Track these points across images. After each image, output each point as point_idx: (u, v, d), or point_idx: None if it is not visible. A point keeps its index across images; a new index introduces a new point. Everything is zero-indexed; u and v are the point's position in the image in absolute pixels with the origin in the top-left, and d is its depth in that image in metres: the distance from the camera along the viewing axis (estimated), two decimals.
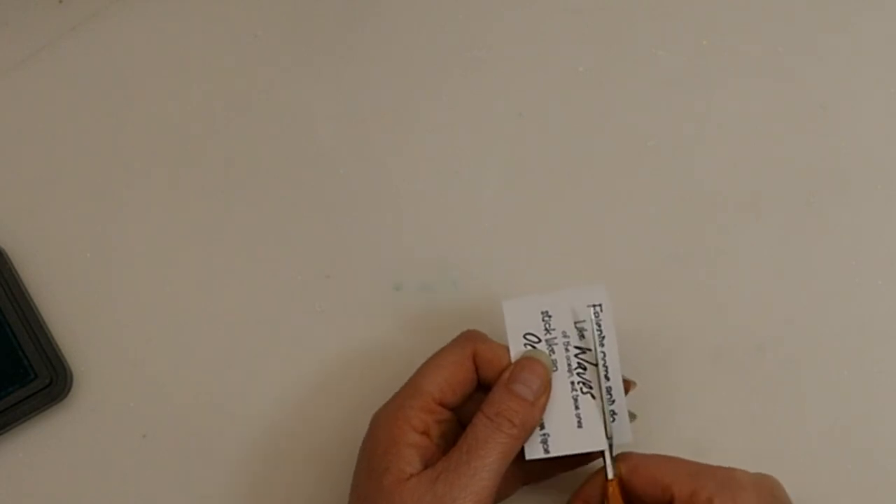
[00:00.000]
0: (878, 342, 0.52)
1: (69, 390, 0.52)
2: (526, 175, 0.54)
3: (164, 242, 0.54)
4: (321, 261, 0.54)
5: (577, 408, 0.46)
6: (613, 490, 0.45)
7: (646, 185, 0.54)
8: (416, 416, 0.45)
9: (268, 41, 0.56)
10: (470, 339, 0.47)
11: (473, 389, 0.47)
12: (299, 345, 0.53)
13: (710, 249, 0.53)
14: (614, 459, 0.45)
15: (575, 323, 0.46)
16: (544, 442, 0.46)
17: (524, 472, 0.47)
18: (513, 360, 0.46)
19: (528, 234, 0.54)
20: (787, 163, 0.54)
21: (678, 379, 0.52)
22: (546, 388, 0.46)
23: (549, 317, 0.47)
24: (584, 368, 0.46)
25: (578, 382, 0.46)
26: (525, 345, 0.46)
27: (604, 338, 0.46)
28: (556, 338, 0.47)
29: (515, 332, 0.47)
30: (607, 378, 0.46)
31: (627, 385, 0.47)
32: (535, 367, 0.46)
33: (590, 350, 0.46)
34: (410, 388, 0.46)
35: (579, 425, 0.46)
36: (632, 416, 0.46)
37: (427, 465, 0.44)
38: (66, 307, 0.53)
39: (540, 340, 0.46)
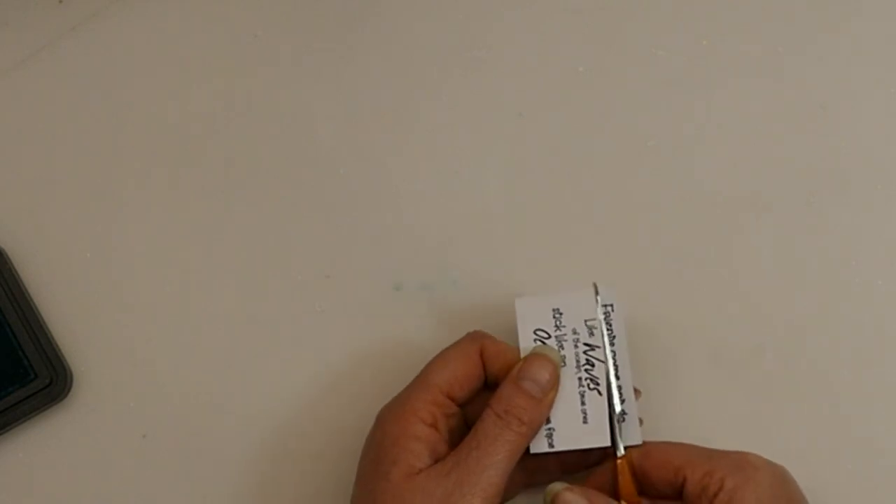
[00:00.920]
0: (877, 342, 0.52)
1: (69, 390, 0.52)
2: (526, 175, 0.54)
3: (164, 242, 0.54)
4: (321, 261, 0.54)
5: (583, 403, 0.46)
6: (623, 467, 0.45)
7: (646, 185, 0.54)
8: (425, 409, 0.45)
9: (268, 41, 0.56)
10: (477, 337, 0.47)
11: (481, 386, 0.47)
12: (299, 345, 0.53)
13: (709, 249, 0.53)
14: (623, 441, 0.45)
15: (585, 321, 0.47)
16: (549, 436, 0.46)
17: (527, 472, 0.48)
18: (522, 354, 0.46)
19: (528, 234, 0.54)
20: (787, 163, 0.54)
21: (678, 379, 0.52)
22: (554, 384, 0.46)
23: (560, 314, 0.47)
24: (592, 365, 0.46)
25: (586, 379, 0.46)
26: (535, 340, 0.47)
27: (615, 337, 0.47)
28: (565, 334, 0.47)
29: (526, 327, 0.47)
30: (617, 377, 0.46)
31: (635, 393, 0.47)
32: (545, 363, 0.46)
33: (598, 347, 0.46)
34: (419, 382, 0.46)
35: (585, 421, 0.46)
36: (640, 421, 0.47)
37: (435, 459, 0.44)
38: (66, 307, 0.53)
39: (550, 336, 0.47)
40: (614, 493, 0.45)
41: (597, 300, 0.47)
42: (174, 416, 0.52)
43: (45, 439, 0.52)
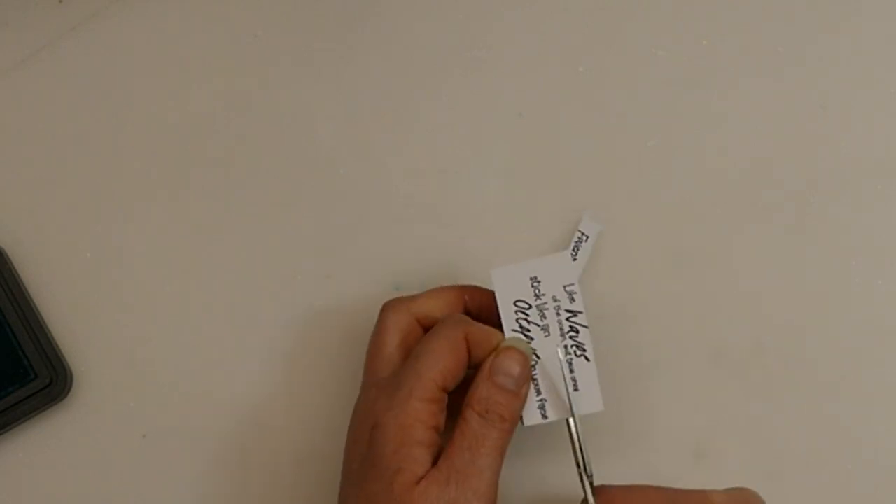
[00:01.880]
0: (877, 342, 0.52)
1: (69, 390, 0.52)
2: (526, 175, 0.54)
3: (164, 242, 0.54)
4: (321, 261, 0.54)
5: (572, 371, 0.46)
6: None
7: (646, 185, 0.54)
8: (425, 409, 0.44)
9: (268, 41, 0.56)
10: (459, 322, 0.47)
11: (466, 371, 0.47)
12: (299, 345, 0.53)
13: (709, 249, 0.53)
14: (595, 491, 0.45)
15: (564, 287, 0.47)
16: (542, 408, 0.46)
17: None
18: (505, 328, 0.46)
19: (528, 234, 0.54)
20: (787, 163, 0.54)
21: (677, 379, 0.52)
22: (527, 376, 0.46)
23: (538, 282, 0.47)
24: (577, 332, 0.46)
25: (572, 346, 0.46)
26: (516, 311, 0.47)
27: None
28: (546, 303, 0.47)
29: (506, 299, 0.47)
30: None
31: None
32: (515, 356, 0.46)
33: (581, 312, 0.46)
34: (413, 379, 0.45)
35: (576, 388, 0.46)
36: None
37: (435, 458, 0.44)
38: (66, 307, 0.53)
39: (531, 307, 0.47)
40: None
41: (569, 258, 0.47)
42: (174, 416, 0.52)
43: (45, 439, 0.52)
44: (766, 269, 0.53)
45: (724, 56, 0.55)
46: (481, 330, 0.46)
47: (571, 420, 0.45)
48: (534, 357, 0.46)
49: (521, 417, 0.46)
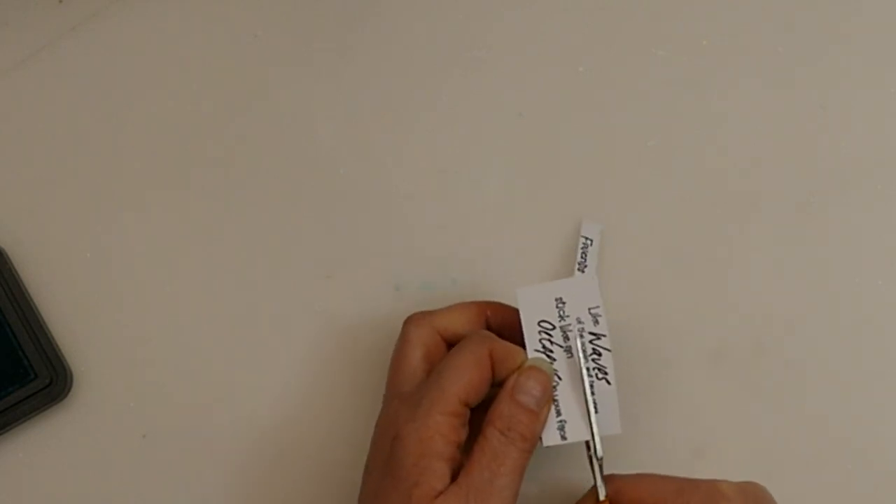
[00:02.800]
0: (878, 342, 0.52)
1: (69, 390, 0.52)
2: (526, 175, 0.54)
3: (164, 242, 0.54)
4: (321, 261, 0.54)
5: (593, 393, 0.46)
6: None
7: (645, 185, 0.54)
8: (447, 423, 0.44)
9: (268, 41, 0.56)
10: (486, 340, 0.47)
11: (489, 388, 0.47)
12: (299, 345, 0.53)
13: (709, 249, 0.53)
14: (604, 480, 0.45)
15: (589, 309, 0.46)
16: (561, 429, 0.46)
17: None
18: (528, 347, 0.46)
19: (528, 234, 0.54)
20: (787, 163, 0.54)
21: (677, 379, 0.52)
22: (549, 397, 0.46)
23: (563, 303, 0.46)
24: (600, 354, 0.46)
25: (594, 368, 0.46)
26: (539, 332, 0.47)
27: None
28: (570, 324, 0.46)
29: (530, 319, 0.47)
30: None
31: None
32: (538, 376, 0.46)
33: (604, 336, 0.46)
34: (436, 393, 0.45)
35: (596, 411, 0.46)
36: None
37: (454, 473, 0.44)
38: (66, 307, 0.53)
39: (554, 327, 0.46)
40: None
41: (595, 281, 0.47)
42: (174, 416, 0.52)
43: (45, 439, 0.52)
44: (766, 270, 0.53)
45: (724, 56, 0.55)
46: (505, 347, 0.46)
47: (591, 442, 0.46)
48: (555, 378, 0.46)
49: (540, 438, 0.46)
